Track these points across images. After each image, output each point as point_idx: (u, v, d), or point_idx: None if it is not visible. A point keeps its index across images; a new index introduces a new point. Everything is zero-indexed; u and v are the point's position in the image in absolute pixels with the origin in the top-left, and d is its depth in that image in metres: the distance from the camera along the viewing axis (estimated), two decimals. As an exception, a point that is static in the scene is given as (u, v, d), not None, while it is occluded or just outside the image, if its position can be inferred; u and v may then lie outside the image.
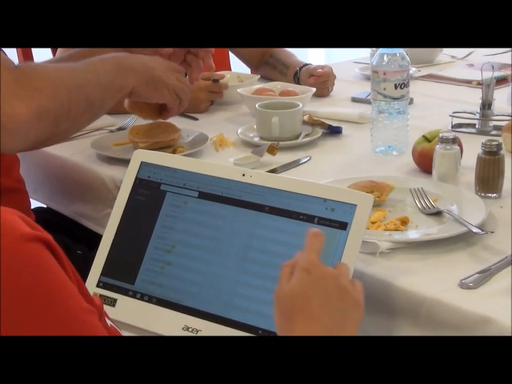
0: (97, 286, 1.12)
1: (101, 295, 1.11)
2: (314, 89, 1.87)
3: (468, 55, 2.44)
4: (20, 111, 1.18)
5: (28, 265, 0.66)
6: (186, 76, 1.57)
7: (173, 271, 1.09)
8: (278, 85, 1.96)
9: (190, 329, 1.05)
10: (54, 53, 1.97)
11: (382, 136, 1.56)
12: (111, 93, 1.36)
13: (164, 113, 1.51)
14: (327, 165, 1.52)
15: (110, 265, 1.12)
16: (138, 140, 1.56)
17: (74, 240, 1.58)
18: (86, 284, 1.10)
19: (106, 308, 1.06)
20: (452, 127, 1.69)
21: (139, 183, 1.16)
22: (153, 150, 1.27)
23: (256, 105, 1.68)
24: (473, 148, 1.37)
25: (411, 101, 1.78)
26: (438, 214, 1.22)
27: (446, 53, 2.45)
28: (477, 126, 1.68)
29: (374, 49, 2.10)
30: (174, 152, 1.55)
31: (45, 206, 1.74)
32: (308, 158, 1.55)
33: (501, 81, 2.04)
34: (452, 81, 2.16)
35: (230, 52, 2.36)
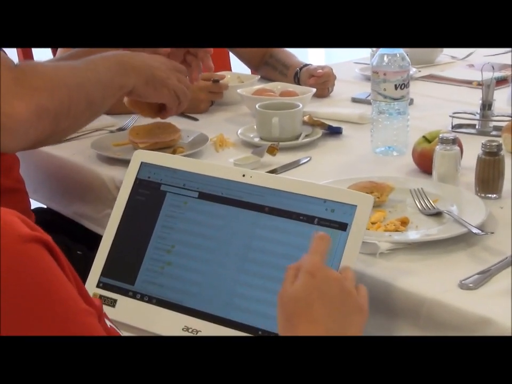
0: (97, 286, 1.12)
1: (101, 296, 1.11)
2: (314, 90, 1.87)
3: (468, 55, 2.44)
4: (19, 110, 1.18)
5: (27, 266, 0.66)
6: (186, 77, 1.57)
7: (173, 271, 1.09)
8: (278, 86, 1.96)
9: (190, 330, 1.05)
10: (54, 53, 1.97)
11: (382, 137, 1.56)
12: (111, 91, 1.36)
13: (162, 113, 1.51)
14: (327, 165, 1.52)
15: (110, 265, 1.12)
16: (138, 140, 1.56)
17: (74, 240, 1.58)
18: (86, 285, 1.11)
19: (106, 309, 1.06)
20: (452, 127, 1.69)
21: (139, 184, 1.16)
22: (153, 151, 1.27)
23: (256, 106, 1.68)
24: (473, 148, 1.36)
25: (411, 102, 1.78)
26: (438, 214, 1.22)
27: (446, 54, 2.45)
28: (477, 127, 1.68)
29: (374, 49, 2.10)
30: (174, 152, 1.55)
31: (45, 207, 1.74)
32: (308, 158, 1.55)
33: (501, 81, 2.04)
34: (452, 82, 2.16)
35: (230, 52, 2.36)
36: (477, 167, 1.30)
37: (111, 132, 1.74)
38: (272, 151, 1.51)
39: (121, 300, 1.10)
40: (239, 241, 1.07)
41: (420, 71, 2.24)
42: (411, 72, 1.85)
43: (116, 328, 0.87)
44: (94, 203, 1.54)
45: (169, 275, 1.09)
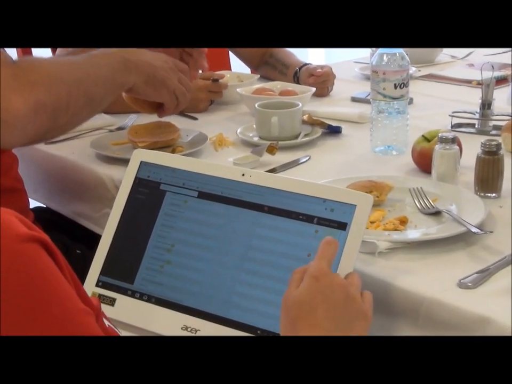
0: (96, 285, 1.12)
1: (100, 295, 1.11)
2: (314, 89, 1.87)
3: (468, 55, 2.44)
4: (17, 105, 1.18)
5: (25, 265, 0.66)
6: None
7: (172, 269, 1.09)
8: (277, 85, 1.96)
9: (189, 329, 1.05)
10: (53, 53, 1.97)
11: (381, 136, 1.56)
12: (112, 88, 1.36)
13: (159, 111, 1.51)
14: (326, 164, 1.52)
15: (109, 264, 1.12)
16: (138, 139, 1.56)
17: (73, 239, 1.58)
18: (85, 283, 1.11)
19: (105, 308, 1.06)
20: (452, 127, 1.69)
21: (139, 183, 1.16)
22: (153, 150, 1.27)
23: (256, 105, 1.68)
24: (472, 147, 1.37)
25: (411, 101, 1.78)
26: (437, 213, 1.22)
27: (446, 53, 2.45)
28: (476, 126, 1.68)
29: (374, 48, 2.10)
30: (173, 151, 1.55)
31: (44, 206, 1.74)
32: (307, 157, 1.55)
33: (501, 81, 2.04)
34: (452, 81, 2.16)
35: (230, 52, 2.36)
36: (476, 166, 1.30)
37: (110, 131, 1.74)
38: (271, 150, 1.51)
39: (120, 298, 1.10)
40: (238, 241, 1.07)
41: (419, 70, 2.24)
42: (411, 72, 1.85)
43: (114, 327, 0.87)
44: (93, 202, 1.54)
45: (168, 274, 1.09)
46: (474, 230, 1.12)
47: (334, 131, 1.69)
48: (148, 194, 1.15)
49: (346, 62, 2.47)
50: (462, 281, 1.02)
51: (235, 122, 1.78)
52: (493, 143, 1.30)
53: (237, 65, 2.40)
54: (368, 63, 2.10)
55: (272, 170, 1.46)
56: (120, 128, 1.75)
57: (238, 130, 1.68)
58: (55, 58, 1.43)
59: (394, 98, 1.52)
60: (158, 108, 1.50)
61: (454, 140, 1.33)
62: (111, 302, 1.10)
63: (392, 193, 1.28)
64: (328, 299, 0.87)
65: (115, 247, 1.13)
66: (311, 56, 4.74)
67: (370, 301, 0.92)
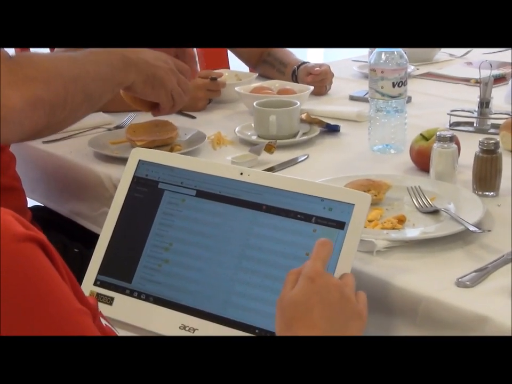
0: (94, 284, 1.12)
1: (98, 294, 1.11)
2: (312, 88, 1.87)
3: (466, 53, 2.44)
4: (14, 100, 1.17)
5: (21, 265, 0.66)
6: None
7: (170, 268, 1.09)
8: (276, 83, 1.96)
9: (187, 328, 1.05)
10: (52, 52, 1.97)
11: (379, 135, 1.56)
12: (110, 86, 1.35)
13: (155, 110, 1.51)
14: (324, 163, 1.52)
15: (107, 263, 1.12)
16: (136, 138, 1.56)
17: (71, 238, 1.58)
18: (83, 282, 1.11)
19: (103, 307, 1.06)
20: (450, 125, 1.69)
21: (137, 181, 1.16)
22: (151, 148, 1.27)
23: (254, 104, 1.68)
24: (471, 146, 1.37)
25: (409, 99, 1.78)
26: (435, 212, 1.22)
27: (444, 51, 2.45)
28: (474, 125, 1.68)
29: (372, 47, 2.10)
30: (171, 150, 1.55)
31: (42, 205, 1.74)
32: (306, 156, 1.55)
33: (499, 79, 2.04)
34: (450, 80, 2.16)
35: (228, 50, 2.35)
36: (474, 165, 1.30)
37: (108, 129, 1.74)
38: (269, 149, 1.51)
39: (118, 297, 1.10)
40: (236, 240, 1.06)
41: (417, 69, 2.24)
42: (409, 70, 1.85)
43: (111, 327, 0.87)
44: (91, 201, 1.54)
45: (166, 273, 1.09)
46: (472, 228, 1.12)
47: (332, 130, 1.69)
48: (146, 193, 1.15)
49: (344, 61, 2.47)
50: (460, 280, 1.02)
51: (233, 121, 1.78)
52: (491, 141, 1.30)
53: (235, 63, 2.40)
54: (366, 62, 2.10)
55: (271, 169, 1.46)
56: (118, 127, 1.75)
57: (236, 129, 1.68)
58: (53, 54, 1.42)
59: (392, 97, 1.52)
60: (153, 107, 1.50)
61: (452, 139, 1.33)
62: (109, 301, 1.10)
63: (390, 192, 1.28)
64: (323, 299, 0.87)
65: (113, 246, 1.13)
66: (309, 55, 4.74)
67: (365, 301, 0.93)
